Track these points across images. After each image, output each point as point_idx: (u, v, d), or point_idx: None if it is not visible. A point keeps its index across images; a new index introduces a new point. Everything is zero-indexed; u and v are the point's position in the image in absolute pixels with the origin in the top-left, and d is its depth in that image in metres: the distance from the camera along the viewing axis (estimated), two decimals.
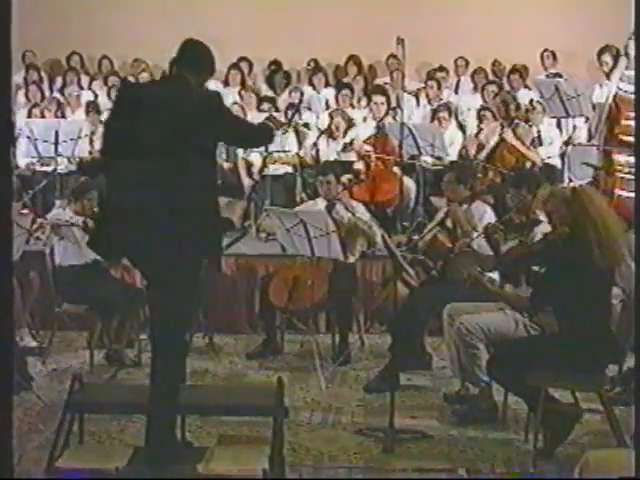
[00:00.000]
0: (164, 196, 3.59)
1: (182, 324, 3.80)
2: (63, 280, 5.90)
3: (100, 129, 8.71)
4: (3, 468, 2.27)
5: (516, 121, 8.27)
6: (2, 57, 2.21)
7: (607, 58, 7.49)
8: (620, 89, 7.22)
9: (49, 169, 8.18)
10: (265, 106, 8.83)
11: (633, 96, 7.19)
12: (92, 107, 9.07)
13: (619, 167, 7.17)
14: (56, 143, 7.80)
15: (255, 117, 8.25)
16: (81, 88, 10.29)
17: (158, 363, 3.73)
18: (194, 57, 3.83)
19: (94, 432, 4.53)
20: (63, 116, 9.16)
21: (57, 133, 7.79)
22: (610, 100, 7.24)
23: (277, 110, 8.81)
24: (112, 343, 5.98)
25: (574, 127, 7.87)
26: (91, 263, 5.90)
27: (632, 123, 7.15)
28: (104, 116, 8.93)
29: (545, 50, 10.01)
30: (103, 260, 5.58)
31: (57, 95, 10.02)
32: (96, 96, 9.98)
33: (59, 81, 10.60)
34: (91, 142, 8.44)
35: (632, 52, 7.09)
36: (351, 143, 8.38)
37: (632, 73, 7.24)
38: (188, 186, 3.61)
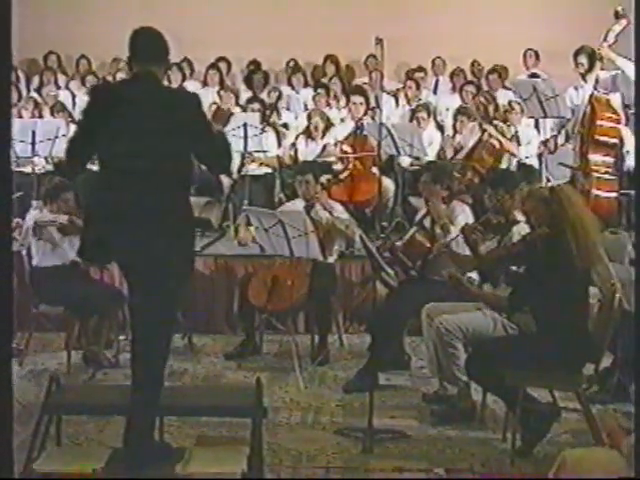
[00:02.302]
0: (141, 198, 3.58)
1: (164, 327, 3.78)
2: (40, 281, 5.86)
3: (72, 128, 8.69)
4: (3, 468, 2.26)
5: (494, 122, 8.31)
6: (2, 57, 2.19)
7: (583, 59, 7.53)
8: (596, 89, 7.26)
9: (26, 169, 8.12)
10: (255, 105, 8.77)
11: (608, 96, 7.25)
12: (58, 107, 9.01)
13: (595, 167, 7.21)
14: (33, 143, 7.74)
15: (238, 117, 8.24)
16: (58, 88, 10.23)
17: (140, 365, 3.72)
18: (151, 48, 3.73)
19: (72, 434, 4.51)
20: (40, 116, 9.10)
21: (34, 133, 7.74)
22: (586, 101, 7.29)
23: (265, 109, 8.74)
24: (90, 344, 5.96)
25: (555, 136, 7.90)
26: (69, 264, 5.87)
27: (607, 124, 7.21)
28: (76, 115, 8.93)
29: (528, 49, 10.04)
30: (95, 265, 5.54)
31: (34, 95, 9.96)
32: (74, 96, 9.93)
33: (36, 81, 10.54)
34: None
35: (605, 54, 7.13)
36: (328, 145, 8.38)
37: (607, 75, 7.30)
38: (162, 187, 3.60)
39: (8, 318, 2.28)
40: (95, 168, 3.85)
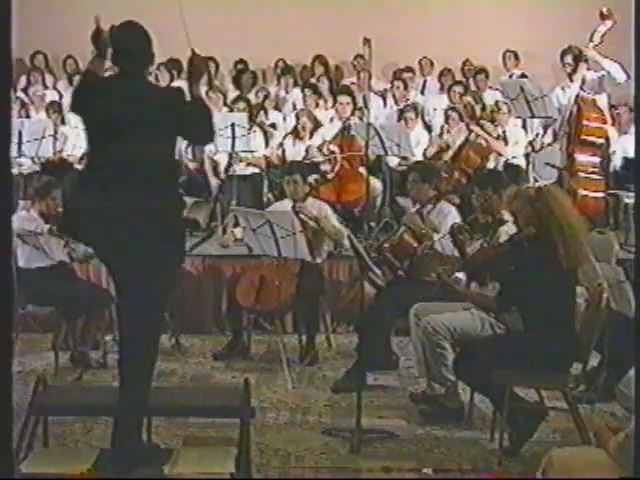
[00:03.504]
0: (128, 198, 3.57)
1: (152, 327, 3.77)
2: (27, 282, 5.82)
3: (62, 129, 8.67)
4: (3, 468, 2.25)
5: (482, 121, 8.34)
6: (2, 57, 2.18)
7: (569, 59, 7.56)
8: (582, 90, 7.29)
9: (12, 170, 8.09)
10: (241, 105, 8.75)
11: (594, 97, 7.28)
12: (54, 108, 8.99)
13: (582, 167, 7.24)
14: (19, 143, 7.71)
15: (225, 117, 8.22)
16: (45, 88, 10.19)
17: (128, 366, 3.71)
18: (133, 44, 3.75)
19: (59, 434, 4.49)
20: (27, 116, 9.07)
21: (20, 133, 7.71)
22: (572, 101, 7.32)
23: (251, 109, 8.72)
24: (77, 345, 5.94)
25: (541, 134, 7.93)
26: (56, 264, 5.85)
27: (593, 124, 7.24)
28: (67, 116, 8.90)
29: (507, 51, 10.10)
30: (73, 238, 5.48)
31: (21, 95, 9.92)
32: (61, 96, 9.90)
33: (23, 80, 10.50)
34: (55, 142, 8.35)
35: (591, 55, 7.17)
36: (310, 147, 8.38)
37: (594, 75, 7.33)
38: (150, 187, 3.59)
39: (8, 319, 2.27)
40: (81, 168, 3.85)
